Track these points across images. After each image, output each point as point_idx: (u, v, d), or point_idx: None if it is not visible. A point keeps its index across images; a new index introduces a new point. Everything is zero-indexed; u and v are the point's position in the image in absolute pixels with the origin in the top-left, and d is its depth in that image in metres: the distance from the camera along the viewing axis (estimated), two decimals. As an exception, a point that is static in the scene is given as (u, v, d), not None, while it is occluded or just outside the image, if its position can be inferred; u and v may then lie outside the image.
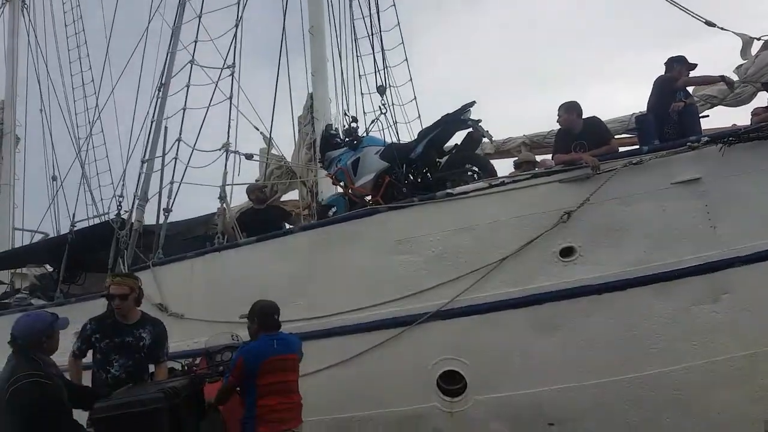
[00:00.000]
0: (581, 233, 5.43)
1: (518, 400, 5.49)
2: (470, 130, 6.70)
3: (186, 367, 5.16)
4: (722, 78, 6.54)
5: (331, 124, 8.88)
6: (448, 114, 6.63)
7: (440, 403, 5.70)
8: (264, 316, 4.72)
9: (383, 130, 9.24)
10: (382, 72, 9.46)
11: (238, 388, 4.64)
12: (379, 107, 9.04)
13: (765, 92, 6.74)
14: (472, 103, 6.49)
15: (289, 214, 8.26)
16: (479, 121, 6.53)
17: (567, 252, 5.46)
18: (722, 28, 6.97)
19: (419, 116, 10.45)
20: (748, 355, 5.12)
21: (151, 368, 4.97)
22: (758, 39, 7.02)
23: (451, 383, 5.67)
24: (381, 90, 9.27)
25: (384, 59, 9.80)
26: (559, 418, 5.43)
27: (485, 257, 5.58)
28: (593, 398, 5.32)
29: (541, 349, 5.44)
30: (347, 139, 7.71)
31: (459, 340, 5.65)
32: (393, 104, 9.83)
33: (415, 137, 7.33)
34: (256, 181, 9.83)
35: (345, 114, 8.23)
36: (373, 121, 8.69)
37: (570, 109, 6.03)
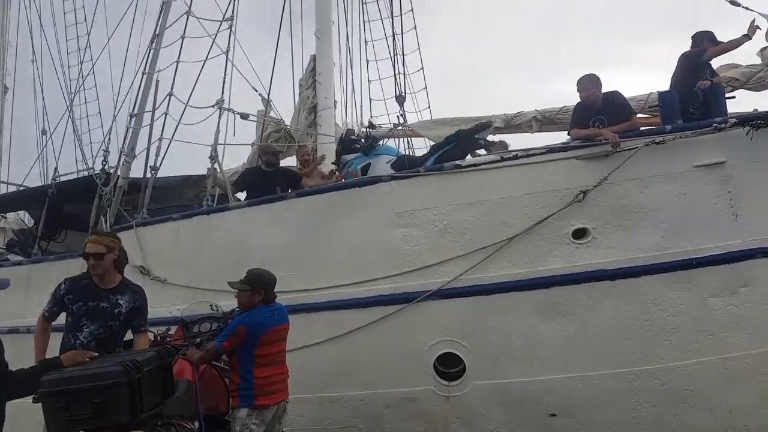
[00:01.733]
0: (596, 214, 5.12)
1: (519, 388, 5.22)
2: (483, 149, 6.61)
3: (159, 337, 4.80)
4: (746, 36, 6.11)
5: (353, 129, 8.66)
6: (461, 130, 6.49)
7: (436, 386, 5.42)
8: (271, 288, 4.56)
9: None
10: (398, 75, 8.88)
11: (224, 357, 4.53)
12: (398, 116, 8.70)
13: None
14: (489, 124, 6.43)
15: (299, 179, 7.70)
16: (492, 143, 6.55)
17: (580, 233, 5.15)
18: (747, 8, 6.60)
19: (429, 106, 10.18)
20: (764, 352, 4.86)
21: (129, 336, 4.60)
22: None
23: (449, 366, 5.39)
24: (400, 100, 8.83)
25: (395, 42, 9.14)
26: (562, 409, 5.17)
27: (492, 235, 5.27)
28: (599, 390, 5.05)
29: (546, 335, 5.15)
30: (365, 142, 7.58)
31: (459, 322, 5.35)
32: (406, 91, 9.25)
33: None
34: (252, 144, 9.38)
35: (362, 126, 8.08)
36: (390, 131, 8.39)
37: (591, 83, 5.66)
